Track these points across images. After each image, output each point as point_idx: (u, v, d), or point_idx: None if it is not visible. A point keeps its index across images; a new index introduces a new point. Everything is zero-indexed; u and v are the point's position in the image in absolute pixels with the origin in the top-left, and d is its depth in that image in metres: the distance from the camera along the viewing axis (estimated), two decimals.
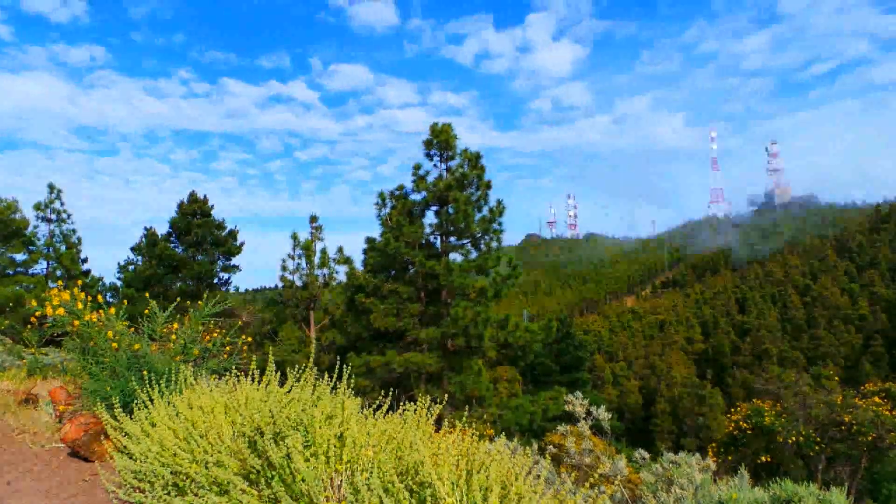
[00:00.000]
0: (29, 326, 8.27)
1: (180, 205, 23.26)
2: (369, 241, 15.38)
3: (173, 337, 5.31)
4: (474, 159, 14.97)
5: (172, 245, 22.72)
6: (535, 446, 7.59)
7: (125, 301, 19.68)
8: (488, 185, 14.97)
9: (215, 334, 5.76)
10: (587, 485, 2.98)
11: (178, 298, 6.75)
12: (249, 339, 6.15)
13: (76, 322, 4.86)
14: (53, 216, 22.85)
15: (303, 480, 2.42)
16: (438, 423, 10.91)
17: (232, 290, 25.26)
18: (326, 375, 3.48)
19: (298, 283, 21.37)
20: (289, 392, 3.36)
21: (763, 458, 14.03)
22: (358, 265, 16.39)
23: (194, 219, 22.93)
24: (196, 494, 2.62)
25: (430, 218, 15.20)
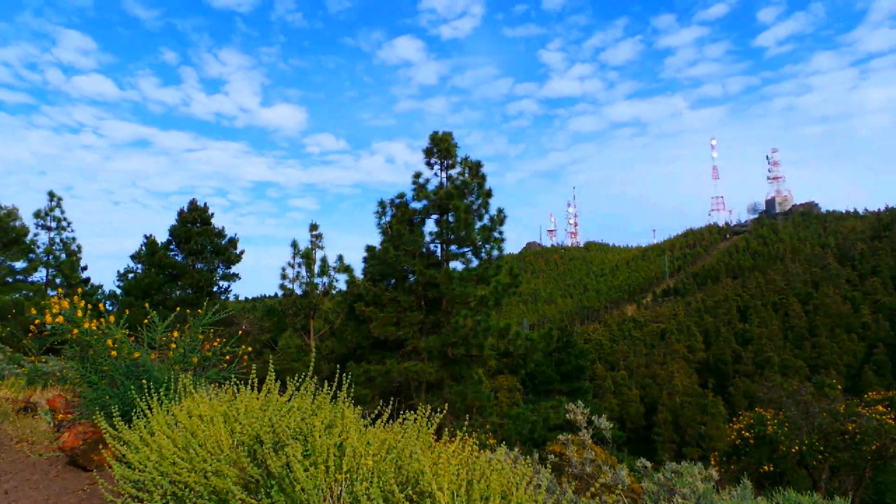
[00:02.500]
0: (29, 335, 8.26)
1: (180, 213, 23.30)
2: (369, 249, 15.39)
3: (172, 345, 5.30)
4: (475, 168, 15.01)
5: (172, 253, 22.74)
6: (536, 455, 7.54)
7: (126, 310, 19.68)
8: (489, 194, 14.99)
9: (215, 343, 5.75)
10: (588, 494, 2.96)
11: (178, 307, 6.74)
12: (249, 347, 6.13)
13: (75, 330, 4.85)
14: (53, 224, 22.90)
15: (302, 490, 2.41)
16: (439, 432, 10.86)
17: (232, 298, 25.24)
18: (326, 384, 3.47)
19: (298, 291, 21.35)
20: (288, 401, 3.34)
21: (766, 468, 13.93)
22: (358, 273, 16.40)
23: (194, 227, 22.96)
24: None
25: (430, 226, 15.22)
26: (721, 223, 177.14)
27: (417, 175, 15.07)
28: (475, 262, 15.05)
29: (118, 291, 23.00)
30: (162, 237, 22.68)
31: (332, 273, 21.30)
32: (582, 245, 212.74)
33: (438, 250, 15.20)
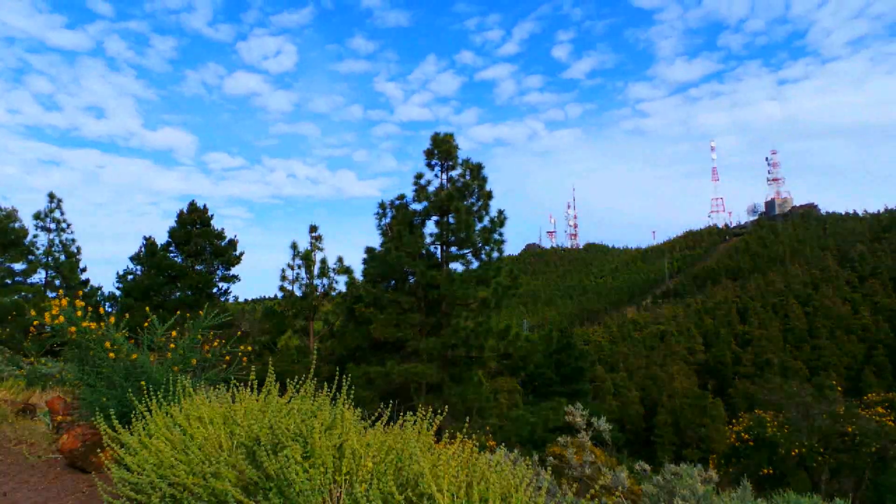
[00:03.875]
0: (28, 336, 8.26)
1: (180, 214, 23.29)
2: (369, 250, 15.39)
3: (172, 347, 5.29)
4: (476, 169, 15.01)
5: (172, 255, 22.72)
6: (536, 457, 7.53)
7: (125, 312, 19.67)
8: (489, 195, 15.00)
9: (214, 344, 5.74)
10: (588, 496, 2.96)
11: (178, 308, 6.74)
12: (248, 349, 6.13)
13: (72, 329, 4.84)
14: (53, 225, 22.90)
15: (301, 492, 2.40)
16: (439, 434, 10.83)
17: (231, 299, 25.23)
18: (326, 386, 3.47)
19: (298, 292, 21.33)
20: (288, 403, 3.34)
21: (766, 470, 13.92)
22: (358, 275, 16.40)
23: (194, 228, 22.96)
24: None
25: (430, 228, 15.23)
26: (721, 225, 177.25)
27: (419, 176, 15.08)
28: (475, 264, 15.06)
29: (118, 293, 23.00)
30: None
31: (332, 274, 21.30)
32: (582, 247, 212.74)
33: (439, 252, 15.20)
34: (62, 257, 22.85)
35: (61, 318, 4.96)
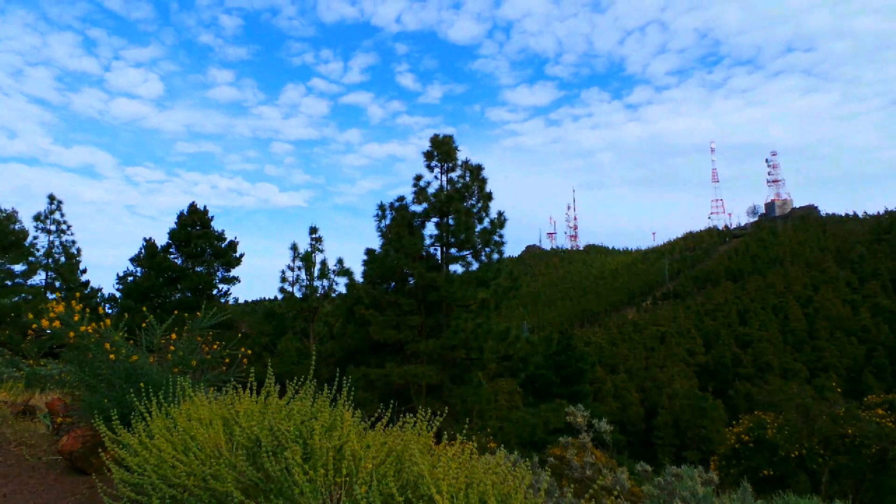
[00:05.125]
0: (28, 338, 8.25)
1: (180, 216, 23.30)
2: (369, 252, 15.38)
3: (171, 348, 5.29)
4: (475, 171, 15.01)
5: (172, 256, 22.72)
6: (536, 459, 7.52)
7: (125, 313, 19.67)
8: (489, 197, 14.99)
9: (214, 346, 5.74)
10: (588, 497, 2.96)
11: (177, 310, 6.73)
12: (248, 350, 6.13)
13: (71, 333, 4.84)
14: (53, 227, 22.90)
15: (301, 493, 2.40)
16: (438, 435, 10.81)
17: (231, 301, 25.22)
18: (326, 387, 3.47)
19: (298, 294, 21.33)
20: (288, 404, 3.34)
21: (766, 472, 13.90)
22: (358, 277, 16.39)
23: (194, 230, 22.96)
24: None
25: (430, 229, 15.22)
26: (721, 226, 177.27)
27: (418, 178, 15.07)
28: (475, 265, 15.05)
29: (117, 294, 23.00)
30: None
31: (332, 276, 21.30)
32: (582, 248, 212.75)
33: (438, 253, 15.20)
34: (62, 259, 22.85)
35: (58, 323, 4.95)
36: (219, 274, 23.48)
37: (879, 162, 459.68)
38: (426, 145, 15.06)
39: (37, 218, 22.65)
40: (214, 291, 23.21)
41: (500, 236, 14.91)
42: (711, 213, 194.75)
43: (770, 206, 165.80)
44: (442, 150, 14.96)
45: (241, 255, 23.96)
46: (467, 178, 14.96)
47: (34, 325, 5.12)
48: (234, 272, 23.93)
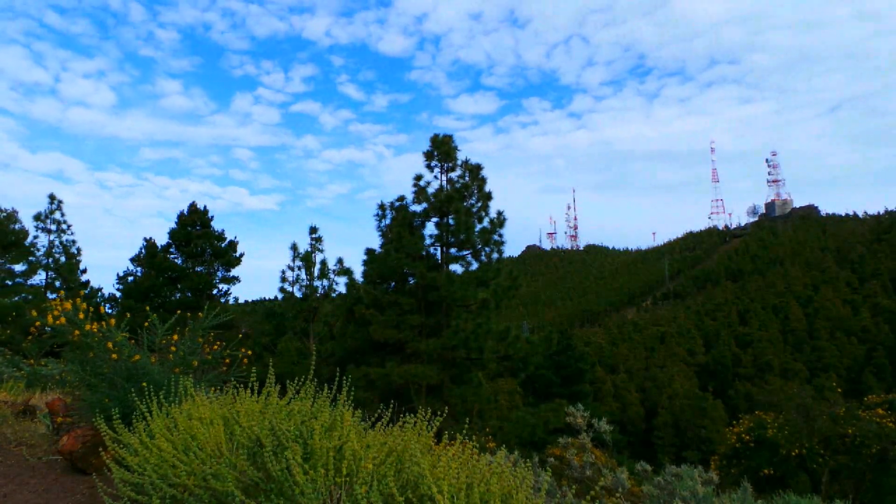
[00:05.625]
0: (28, 338, 8.26)
1: (180, 216, 23.30)
2: (369, 252, 15.38)
3: (172, 348, 5.29)
4: (475, 170, 15.01)
5: (172, 256, 22.73)
6: (536, 459, 7.53)
7: (126, 313, 19.65)
8: (489, 197, 15.00)
9: (215, 346, 5.74)
10: (588, 497, 2.96)
11: (178, 310, 6.74)
12: (249, 350, 6.13)
13: (76, 332, 4.85)
14: (53, 227, 22.90)
15: (302, 493, 2.40)
16: (439, 435, 10.81)
17: (231, 301, 25.22)
18: (326, 387, 3.47)
19: (298, 294, 21.33)
20: (288, 404, 3.34)
21: (766, 471, 13.90)
22: (358, 277, 16.39)
23: (194, 230, 22.96)
24: None
25: (430, 229, 15.23)
26: (721, 226, 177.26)
27: (418, 178, 15.07)
28: (475, 265, 15.05)
29: (118, 294, 23.00)
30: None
31: (332, 276, 21.30)
32: (582, 248, 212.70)
33: (438, 253, 15.20)
34: (62, 258, 22.85)
35: (63, 320, 4.96)
36: (219, 274, 23.49)
37: (827, 168, 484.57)
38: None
39: (37, 218, 22.66)
40: (215, 291, 23.22)
41: (500, 236, 14.92)
42: (711, 213, 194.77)
43: (770, 206, 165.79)
44: (441, 150, 14.96)
45: (241, 255, 23.98)
46: (467, 178, 14.96)
47: (37, 323, 5.12)
48: (234, 272, 23.97)
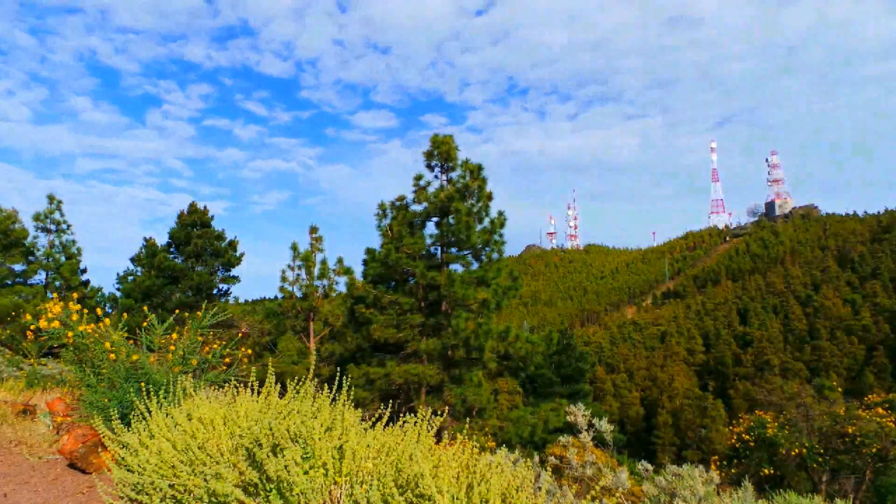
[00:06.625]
0: (28, 337, 8.25)
1: (180, 215, 23.29)
2: (369, 251, 15.38)
3: (172, 348, 5.29)
4: (476, 170, 15.00)
5: (172, 256, 22.72)
6: (537, 458, 7.52)
7: (124, 313, 19.66)
8: (489, 197, 14.99)
9: (215, 346, 5.74)
10: (589, 497, 2.95)
11: (177, 310, 6.73)
12: (248, 350, 6.12)
13: (70, 333, 4.84)
14: (53, 227, 22.88)
15: (301, 493, 2.40)
16: (439, 435, 10.83)
17: (231, 300, 25.21)
18: (326, 387, 3.46)
19: (298, 293, 21.31)
20: (288, 404, 3.34)
21: (766, 471, 13.90)
22: (358, 276, 16.38)
23: (194, 230, 22.95)
24: None
25: (430, 229, 15.21)
26: (721, 226, 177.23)
27: (418, 177, 15.06)
28: (476, 265, 15.05)
29: (118, 294, 22.99)
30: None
31: (332, 275, 21.26)
32: (582, 247, 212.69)
33: (439, 253, 15.20)
34: (62, 258, 22.84)
35: (56, 323, 4.95)
36: (219, 273, 23.48)
37: (734, 177, 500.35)
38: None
39: (36, 217, 22.64)
40: (215, 291, 23.21)
41: (501, 236, 14.91)
42: (711, 213, 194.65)
43: (770, 205, 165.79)
44: (442, 150, 14.96)
45: (242, 255, 23.96)
46: (467, 178, 14.95)
47: (33, 326, 5.12)
48: (234, 272, 23.96)
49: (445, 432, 11.27)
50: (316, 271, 21.33)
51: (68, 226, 23.24)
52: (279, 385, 3.55)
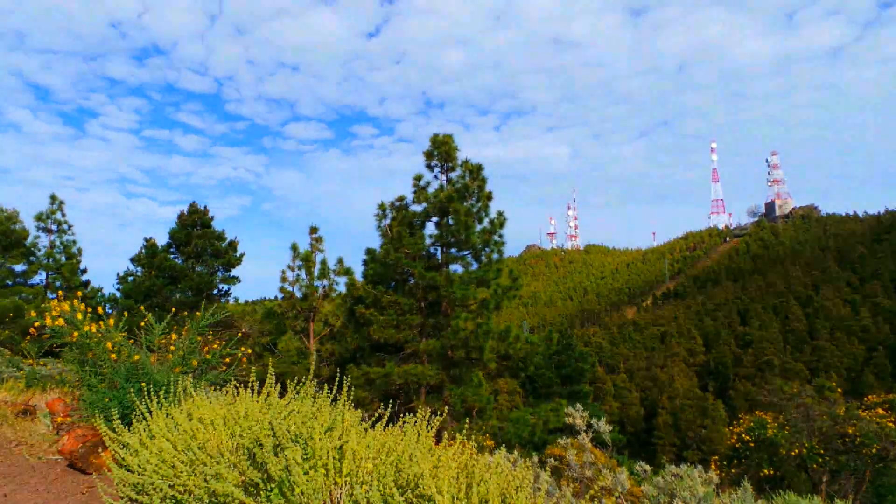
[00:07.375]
0: (28, 337, 8.26)
1: (180, 216, 23.30)
2: (369, 252, 15.38)
3: (172, 348, 5.29)
4: (475, 171, 15.00)
5: (172, 256, 22.73)
6: (536, 459, 7.52)
7: (125, 313, 19.66)
8: (489, 197, 14.99)
9: (215, 346, 5.74)
10: (588, 497, 2.96)
11: (176, 310, 6.73)
12: (249, 350, 6.13)
13: (75, 333, 4.84)
14: (54, 227, 22.89)
15: (302, 493, 2.40)
16: (438, 435, 10.82)
17: (231, 301, 25.22)
18: (326, 387, 3.47)
19: (298, 294, 21.31)
20: (288, 404, 3.34)
21: (766, 471, 13.90)
22: (358, 276, 16.39)
23: (194, 230, 22.96)
24: None
25: (430, 229, 15.21)
26: (721, 226, 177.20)
27: (418, 178, 15.07)
28: (475, 265, 15.05)
29: (118, 294, 22.99)
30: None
31: (332, 276, 21.27)
32: (582, 248, 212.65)
33: (439, 253, 15.20)
34: (63, 258, 22.85)
35: (61, 321, 4.96)
36: (219, 274, 23.49)
37: (665, 186, 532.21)
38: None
39: (37, 217, 22.66)
40: (215, 291, 23.22)
41: (500, 236, 14.91)
42: (711, 213, 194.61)
43: (770, 205, 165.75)
44: (442, 150, 14.96)
45: (242, 255, 23.97)
46: (467, 178, 14.96)
47: (36, 324, 5.12)
48: (234, 272, 23.98)
49: (445, 432, 11.27)
50: (316, 271, 21.34)
51: (69, 226, 23.28)
52: (279, 385, 3.55)
